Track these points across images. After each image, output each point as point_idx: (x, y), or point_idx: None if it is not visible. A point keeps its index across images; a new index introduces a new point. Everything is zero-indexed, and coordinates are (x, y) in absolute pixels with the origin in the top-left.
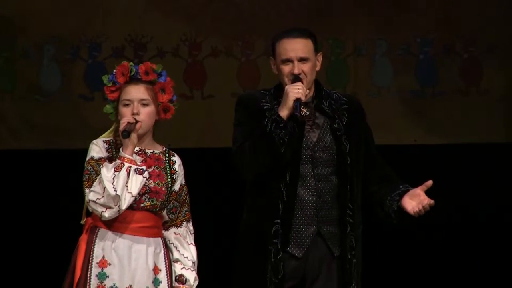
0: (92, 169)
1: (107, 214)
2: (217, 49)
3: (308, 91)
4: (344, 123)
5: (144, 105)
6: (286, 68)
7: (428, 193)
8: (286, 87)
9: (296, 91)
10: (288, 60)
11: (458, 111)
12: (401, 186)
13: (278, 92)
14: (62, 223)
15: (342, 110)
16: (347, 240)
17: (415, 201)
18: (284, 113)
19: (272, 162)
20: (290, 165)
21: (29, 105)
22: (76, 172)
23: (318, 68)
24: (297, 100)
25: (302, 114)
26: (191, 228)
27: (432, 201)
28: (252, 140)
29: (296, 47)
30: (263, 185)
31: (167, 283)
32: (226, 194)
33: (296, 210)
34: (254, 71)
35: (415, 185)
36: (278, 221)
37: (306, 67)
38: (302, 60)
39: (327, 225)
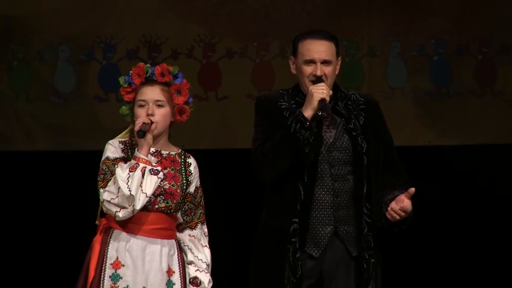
0: (107, 169)
1: (121, 214)
2: (231, 50)
3: (331, 91)
4: (361, 123)
5: (159, 106)
6: (308, 69)
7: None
8: (310, 87)
9: (320, 91)
10: (311, 61)
11: (473, 112)
12: (396, 192)
13: (296, 92)
14: (76, 223)
15: (360, 111)
16: (364, 240)
17: (397, 206)
18: (308, 113)
19: (295, 163)
20: (307, 165)
21: (43, 106)
22: (90, 173)
23: (337, 72)
24: (322, 101)
25: (326, 114)
26: (206, 230)
27: (404, 206)
28: (275, 140)
29: (320, 49)
30: (281, 184)
31: (181, 285)
32: (241, 196)
33: (313, 210)
34: (268, 72)
35: (427, 187)
36: (297, 220)
37: (328, 70)
38: (325, 62)
39: (344, 225)
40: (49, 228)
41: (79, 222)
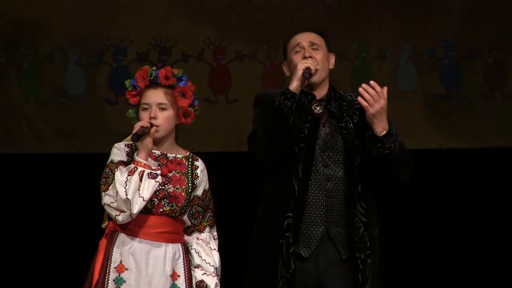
0: (110, 173)
1: (120, 218)
2: (241, 53)
3: (318, 68)
4: (354, 121)
5: (162, 109)
6: (297, 56)
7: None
8: (296, 62)
9: (305, 62)
10: (299, 47)
11: (483, 115)
12: None
13: None
14: (86, 226)
15: (354, 110)
16: (360, 241)
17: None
18: (293, 85)
19: (282, 136)
20: (303, 161)
21: (53, 108)
22: (99, 176)
23: (331, 66)
24: (306, 69)
25: (316, 111)
26: (215, 233)
27: (374, 84)
28: (263, 117)
29: (306, 35)
30: (277, 179)
31: None
32: (251, 198)
33: (306, 208)
34: (278, 75)
35: (437, 190)
36: (291, 214)
37: (317, 54)
38: (312, 45)
39: (336, 226)
40: (59, 230)
41: (89, 225)
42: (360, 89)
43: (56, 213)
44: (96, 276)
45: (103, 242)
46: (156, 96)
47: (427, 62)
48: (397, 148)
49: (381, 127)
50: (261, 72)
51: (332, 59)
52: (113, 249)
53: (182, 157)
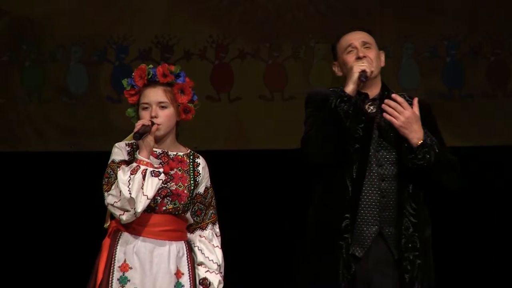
0: (112, 172)
1: (124, 217)
2: (244, 51)
3: (374, 69)
4: None
5: (163, 107)
6: (349, 57)
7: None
8: (351, 64)
9: (360, 64)
10: (351, 46)
11: (485, 113)
12: None
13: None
14: (88, 225)
15: None
16: (409, 241)
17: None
18: (349, 88)
19: (338, 139)
20: (357, 161)
21: (56, 107)
22: (102, 175)
23: (382, 64)
24: (363, 72)
25: (369, 110)
26: (217, 230)
27: (399, 98)
28: (318, 119)
29: (358, 35)
30: (330, 180)
31: (190, 287)
32: (253, 197)
33: (360, 208)
34: (281, 73)
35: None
36: (348, 215)
37: (369, 53)
38: (365, 45)
39: (389, 226)
40: (61, 229)
41: (91, 224)
42: (383, 105)
43: (59, 212)
44: (100, 275)
45: (106, 242)
46: (155, 95)
47: (430, 60)
48: (433, 157)
49: (416, 138)
50: (263, 70)
51: (383, 57)
52: (116, 248)
53: (183, 155)
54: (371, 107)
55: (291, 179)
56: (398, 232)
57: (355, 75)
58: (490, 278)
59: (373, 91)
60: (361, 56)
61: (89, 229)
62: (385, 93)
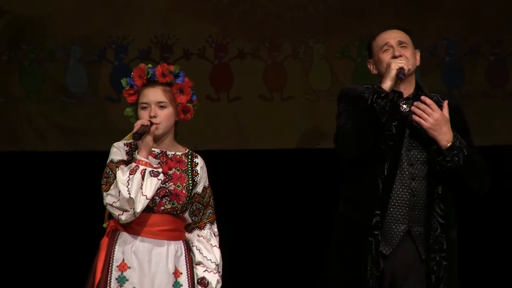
0: (110, 172)
1: (123, 217)
2: (243, 51)
3: (411, 68)
4: None
5: (162, 107)
6: (385, 55)
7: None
8: (388, 61)
9: (398, 61)
10: (387, 45)
11: (485, 113)
12: None
13: None
14: (88, 224)
15: None
16: (436, 242)
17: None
18: (386, 84)
19: (373, 134)
20: (389, 159)
21: (55, 106)
22: (101, 174)
23: (418, 62)
24: (400, 69)
25: (403, 109)
26: (216, 230)
27: (429, 101)
28: (354, 115)
29: (394, 34)
30: (360, 178)
31: (188, 286)
32: (252, 196)
33: (389, 206)
34: (280, 73)
35: None
36: (378, 212)
37: (406, 52)
38: (401, 44)
39: (417, 225)
40: (60, 229)
41: (90, 223)
42: (412, 107)
43: (58, 211)
44: (98, 275)
45: (104, 241)
46: (154, 94)
47: (429, 60)
48: (462, 160)
49: (445, 140)
50: (262, 70)
51: (418, 56)
52: (115, 248)
53: (181, 155)
54: (405, 106)
55: (290, 179)
56: (426, 232)
57: (393, 72)
58: (490, 278)
59: (407, 90)
60: (397, 55)
61: (88, 228)
62: (418, 93)
